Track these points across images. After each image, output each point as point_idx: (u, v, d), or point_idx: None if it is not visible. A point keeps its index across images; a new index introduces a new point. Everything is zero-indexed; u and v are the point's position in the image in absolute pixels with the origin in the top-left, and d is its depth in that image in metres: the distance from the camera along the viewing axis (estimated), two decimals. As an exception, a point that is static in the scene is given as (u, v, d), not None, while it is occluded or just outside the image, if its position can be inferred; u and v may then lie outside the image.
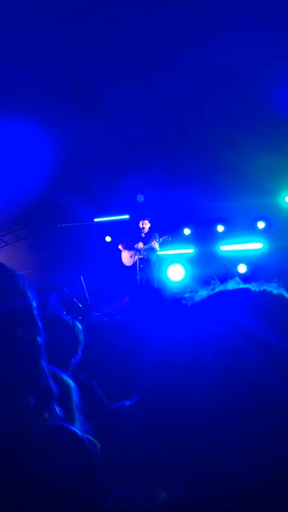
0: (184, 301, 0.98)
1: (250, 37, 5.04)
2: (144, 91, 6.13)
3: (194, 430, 0.82)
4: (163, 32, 5.06)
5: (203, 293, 0.96)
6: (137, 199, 9.12)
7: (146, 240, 8.39)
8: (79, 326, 2.16)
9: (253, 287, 0.94)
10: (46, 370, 1.06)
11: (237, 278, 0.99)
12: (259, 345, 0.83)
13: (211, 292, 0.96)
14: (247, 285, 0.96)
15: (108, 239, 10.15)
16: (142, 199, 9.10)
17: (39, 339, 1.05)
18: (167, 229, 8.63)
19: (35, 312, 1.06)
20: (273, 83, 5.79)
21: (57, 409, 1.07)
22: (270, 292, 0.92)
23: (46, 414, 1.02)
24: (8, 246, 10.87)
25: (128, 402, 1.41)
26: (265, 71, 5.61)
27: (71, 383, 1.56)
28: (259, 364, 0.81)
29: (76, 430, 1.07)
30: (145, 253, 8.35)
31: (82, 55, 5.42)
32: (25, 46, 5.18)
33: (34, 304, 1.07)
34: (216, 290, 0.96)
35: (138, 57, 5.42)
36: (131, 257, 8.48)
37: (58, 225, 10.42)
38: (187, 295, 0.98)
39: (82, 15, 4.75)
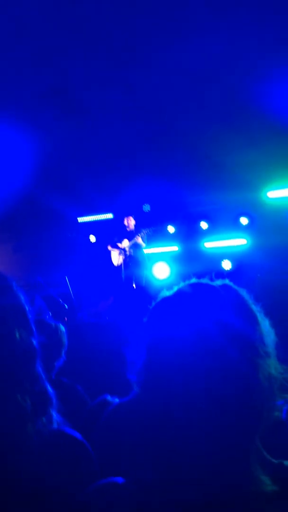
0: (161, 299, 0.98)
1: (229, 35, 5.06)
2: (124, 91, 6.11)
3: (181, 428, 0.82)
4: (142, 32, 5.05)
5: (166, 293, 0.97)
6: (144, 209, 9.12)
7: (131, 237, 8.39)
8: (62, 328, 2.14)
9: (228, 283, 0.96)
10: (42, 374, 1.04)
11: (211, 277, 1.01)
12: (238, 341, 0.84)
13: (186, 290, 0.97)
14: (217, 282, 0.97)
15: (92, 238, 10.12)
16: (149, 209, 9.11)
17: (34, 341, 1.03)
18: (151, 227, 8.63)
19: (29, 315, 1.05)
20: (254, 78, 5.82)
21: (54, 414, 1.05)
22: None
23: (44, 419, 1.00)
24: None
25: (110, 397, 1.40)
26: (245, 67, 5.64)
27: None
28: (238, 359, 0.82)
29: (75, 433, 1.05)
30: (131, 250, 8.34)
31: (61, 57, 5.38)
32: (3, 49, 5.12)
33: (27, 307, 1.06)
34: (175, 288, 0.98)
35: (117, 57, 5.39)
36: (119, 255, 8.47)
37: (41, 226, 10.34)
38: (165, 293, 0.99)
39: (60, 17, 4.71)
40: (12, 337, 0.99)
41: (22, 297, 1.07)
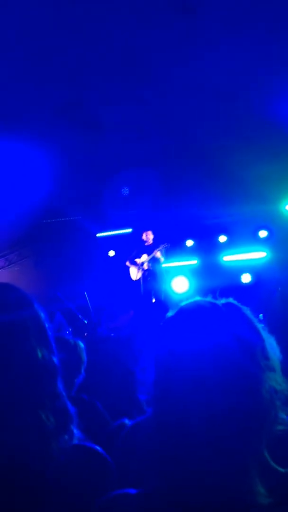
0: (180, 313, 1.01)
1: (245, 50, 5.10)
2: (141, 107, 6.20)
3: (200, 442, 0.84)
4: (158, 48, 5.13)
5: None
6: (123, 192, 8.95)
7: (150, 252, 8.41)
8: (81, 345, 2.16)
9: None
10: (63, 391, 1.06)
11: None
12: (242, 356, 0.87)
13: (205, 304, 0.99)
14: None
15: (111, 253, 10.17)
16: (127, 192, 8.93)
17: (54, 359, 1.05)
18: (170, 241, 8.64)
19: (49, 332, 1.07)
20: (270, 92, 5.84)
21: (75, 431, 1.07)
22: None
23: (66, 437, 1.02)
24: (12, 265, 10.92)
25: (127, 421, 1.41)
26: (261, 82, 5.66)
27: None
28: (242, 374, 0.85)
29: (97, 447, 1.07)
30: (150, 265, 8.36)
31: (78, 73, 5.49)
32: (21, 65, 5.25)
33: (47, 324, 1.08)
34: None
35: (133, 74, 5.48)
36: (138, 270, 8.50)
37: (60, 242, 10.46)
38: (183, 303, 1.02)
39: (78, 34, 4.83)
40: (34, 355, 1.01)
41: (42, 315, 1.09)
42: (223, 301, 0.99)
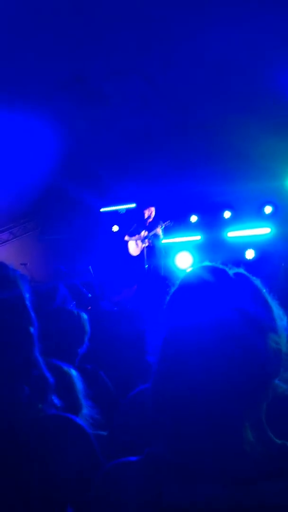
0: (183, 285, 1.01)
1: (250, 23, 4.97)
2: (145, 82, 6.10)
3: (200, 408, 0.87)
4: (161, 22, 5.01)
5: (182, 278, 1.00)
6: (119, 211, 9.08)
7: (151, 229, 8.40)
8: (85, 316, 2.19)
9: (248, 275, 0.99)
10: (40, 360, 1.06)
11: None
12: (251, 322, 0.88)
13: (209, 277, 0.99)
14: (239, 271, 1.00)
15: (115, 228, 10.16)
16: (124, 211, 9.07)
17: (31, 329, 1.05)
18: (174, 217, 8.61)
19: (27, 302, 1.07)
20: (275, 67, 5.72)
21: (55, 399, 1.08)
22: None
23: (40, 405, 1.02)
24: (16, 238, 10.96)
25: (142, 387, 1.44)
26: (266, 55, 5.54)
27: (73, 372, 1.59)
28: (250, 337, 0.87)
29: (74, 417, 1.08)
30: (151, 241, 8.36)
31: (82, 47, 5.39)
32: (25, 39, 5.16)
33: (27, 295, 1.08)
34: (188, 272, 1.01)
35: (137, 48, 5.38)
36: (137, 246, 8.50)
37: (64, 216, 10.45)
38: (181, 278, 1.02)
39: (81, 7, 4.72)
40: (8, 325, 1.01)
41: (21, 284, 1.08)
42: (234, 270, 1.00)
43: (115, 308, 7.02)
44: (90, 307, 6.66)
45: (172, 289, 1.01)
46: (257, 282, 0.98)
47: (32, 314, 1.06)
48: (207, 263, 1.02)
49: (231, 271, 0.99)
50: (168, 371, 0.92)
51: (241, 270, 1.00)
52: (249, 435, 0.85)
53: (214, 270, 0.99)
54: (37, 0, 4.57)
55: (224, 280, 0.96)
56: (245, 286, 0.95)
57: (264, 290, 0.96)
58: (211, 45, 5.30)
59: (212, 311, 0.89)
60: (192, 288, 0.96)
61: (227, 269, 0.99)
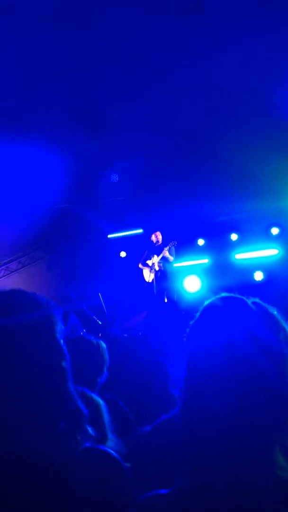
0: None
1: (251, 46, 5.08)
2: (150, 107, 6.21)
3: (228, 439, 0.87)
4: (166, 48, 5.15)
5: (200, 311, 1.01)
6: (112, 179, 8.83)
7: (160, 252, 8.43)
8: (104, 345, 2.19)
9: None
10: (74, 393, 1.07)
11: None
12: (269, 353, 0.90)
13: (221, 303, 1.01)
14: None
15: (123, 254, 10.19)
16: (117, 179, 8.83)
17: (64, 363, 1.06)
18: (181, 241, 8.65)
19: (58, 336, 1.07)
20: (281, 88, 5.82)
21: (90, 430, 1.08)
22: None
23: (78, 437, 1.02)
24: (25, 267, 11.00)
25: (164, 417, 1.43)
26: (270, 76, 5.64)
27: (101, 402, 1.58)
28: (269, 369, 0.88)
29: (110, 450, 1.08)
30: (161, 265, 8.40)
31: (89, 76, 5.53)
32: (34, 69, 5.30)
33: (57, 328, 1.08)
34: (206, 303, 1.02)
35: (142, 75, 5.51)
36: (151, 271, 8.54)
37: (73, 243, 10.51)
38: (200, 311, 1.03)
39: (87, 38, 4.86)
40: (44, 360, 1.02)
41: (54, 319, 1.09)
42: (251, 300, 1.01)
43: (126, 335, 6.98)
44: (100, 334, 6.64)
45: (192, 321, 1.02)
46: (274, 311, 0.99)
47: (64, 348, 1.07)
48: (225, 294, 1.03)
49: (249, 301, 1.00)
50: (197, 402, 0.93)
51: (257, 300, 1.01)
52: (281, 460, 0.85)
53: (233, 301, 1.00)
54: (45, 31, 4.71)
55: (244, 312, 0.97)
56: (264, 317, 0.96)
57: (280, 317, 0.98)
58: (216, 70, 5.41)
59: (236, 343, 0.90)
60: (213, 320, 0.98)
61: (245, 298, 1.01)
